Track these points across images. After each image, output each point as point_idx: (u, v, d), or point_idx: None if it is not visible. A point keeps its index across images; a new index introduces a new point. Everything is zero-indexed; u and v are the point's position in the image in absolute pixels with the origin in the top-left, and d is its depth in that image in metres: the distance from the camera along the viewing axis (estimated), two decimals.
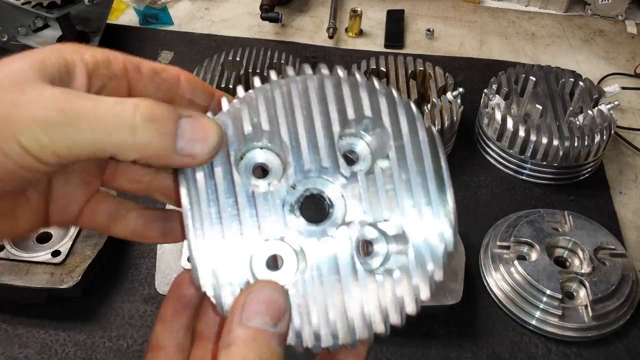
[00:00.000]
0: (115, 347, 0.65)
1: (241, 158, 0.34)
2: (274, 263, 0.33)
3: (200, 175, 0.33)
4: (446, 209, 0.34)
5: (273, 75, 0.35)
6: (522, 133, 0.81)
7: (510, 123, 0.82)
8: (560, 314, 0.66)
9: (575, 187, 0.84)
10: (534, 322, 0.67)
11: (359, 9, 1.11)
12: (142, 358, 0.64)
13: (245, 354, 0.28)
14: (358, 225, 0.34)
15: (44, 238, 0.70)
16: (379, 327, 0.32)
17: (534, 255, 0.71)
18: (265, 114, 0.34)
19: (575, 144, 0.79)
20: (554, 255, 0.72)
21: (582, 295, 0.68)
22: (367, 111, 0.35)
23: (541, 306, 0.66)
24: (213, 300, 0.32)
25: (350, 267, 0.33)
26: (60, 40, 0.96)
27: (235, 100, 0.34)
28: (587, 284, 0.67)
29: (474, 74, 1.04)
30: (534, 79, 0.86)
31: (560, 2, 1.21)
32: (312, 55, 1.07)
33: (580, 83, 0.86)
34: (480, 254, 0.74)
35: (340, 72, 0.36)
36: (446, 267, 0.33)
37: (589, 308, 0.66)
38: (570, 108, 0.84)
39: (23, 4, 0.88)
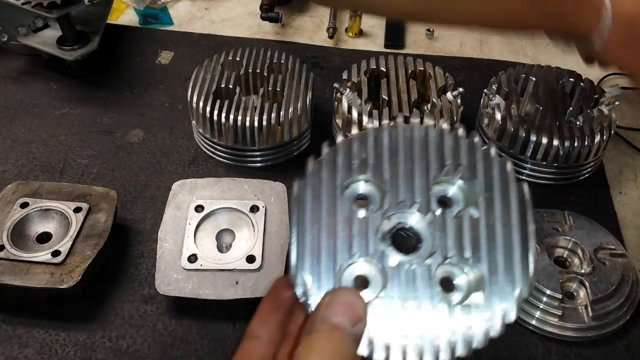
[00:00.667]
0: (115, 347, 0.65)
1: (346, 187, 0.40)
2: (359, 282, 0.38)
3: (308, 196, 0.39)
4: (525, 268, 0.37)
5: (385, 121, 0.41)
6: (522, 133, 0.81)
7: (510, 123, 0.82)
8: (560, 314, 0.66)
9: (575, 187, 0.84)
10: (533, 322, 0.67)
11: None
12: (142, 358, 0.64)
13: (322, 341, 0.33)
14: (442, 262, 0.38)
15: (44, 238, 0.70)
16: (444, 356, 0.36)
17: None
18: (373, 152, 0.40)
19: (575, 144, 0.79)
20: (553, 255, 0.72)
21: (582, 295, 0.68)
22: (464, 160, 0.40)
23: (541, 306, 0.66)
24: (302, 299, 0.37)
25: (430, 298, 0.37)
26: (60, 40, 0.96)
27: (347, 137, 0.40)
28: (587, 284, 0.67)
29: (474, 74, 1.04)
30: (534, 79, 0.86)
31: None
32: (312, 55, 1.07)
33: (580, 83, 0.86)
34: None
35: (445, 125, 0.41)
36: (515, 318, 0.37)
37: (589, 308, 0.66)
38: (570, 108, 0.84)
39: (23, 4, 0.88)
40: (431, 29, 1.13)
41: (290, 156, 0.86)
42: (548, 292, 0.66)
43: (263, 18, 1.10)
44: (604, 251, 0.71)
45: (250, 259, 0.66)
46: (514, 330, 0.68)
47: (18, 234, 0.69)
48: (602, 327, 0.66)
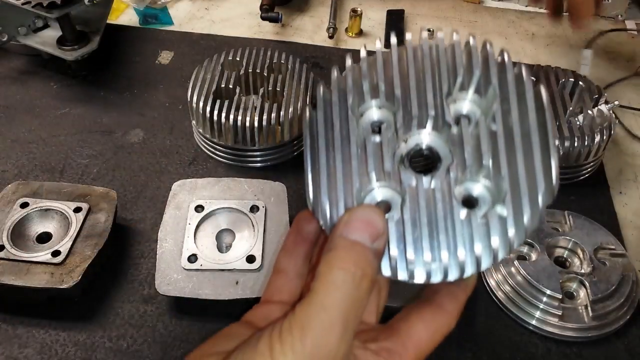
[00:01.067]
0: (115, 347, 0.65)
1: (360, 115, 0.39)
2: (381, 207, 0.36)
3: (320, 121, 0.38)
4: (548, 174, 0.36)
5: (393, 39, 0.40)
6: None
7: None
8: (560, 314, 0.66)
9: (575, 187, 0.84)
10: (534, 322, 0.67)
11: (359, 9, 1.11)
12: (142, 358, 0.64)
13: (343, 256, 0.33)
14: (461, 175, 0.36)
15: (44, 238, 0.70)
16: (470, 270, 0.35)
17: (534, 255, 0.71)
18: (383, 74, 0.39)
19: (575, 144, 0.79)
20: (554, 255, 0.72)
21: (582, 295, 0.68)
22: (477, 71, 0.38)
23: (541, 306, 0.66)
24: (321, 221, 0.37)
25: (450, 213, 0.36)
26: (60, 40, 0.96)
27: (356, 62, 0.39)
28: (587, 284, 0.67)
29: None
30: (534, 78, 0.86)
31: None
32: (312, 55, 1.07)
33: (580, 83, 0.86)
34: None
35: (456, 36, 0.39)
36: (540, 221, 0.35)
37: (589, 308, 0.66)
38: (570, 108, 0.84)
39: (23, 4, 0.88)
40: (431, 29, 1.13)
41: (290, 156, 0.86)
42: (548, 292, 0.66)
43: (263, 18, 1.10)
44: (604, 251, 0.71)
45: (250, 259, 0.66)
46: (514, 331, 0.68)
47: (18, 234, 0.69)
48: (602, 327, 0.66)
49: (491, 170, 0.36)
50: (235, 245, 0.70)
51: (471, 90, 0.38)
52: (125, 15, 1.16)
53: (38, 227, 0.70)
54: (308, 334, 0.31)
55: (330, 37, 1.10)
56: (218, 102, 0.81)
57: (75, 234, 0.68)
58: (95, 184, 0.79)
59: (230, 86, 0.85)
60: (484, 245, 0.35)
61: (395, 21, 1.16)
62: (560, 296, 0.66)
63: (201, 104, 0.82)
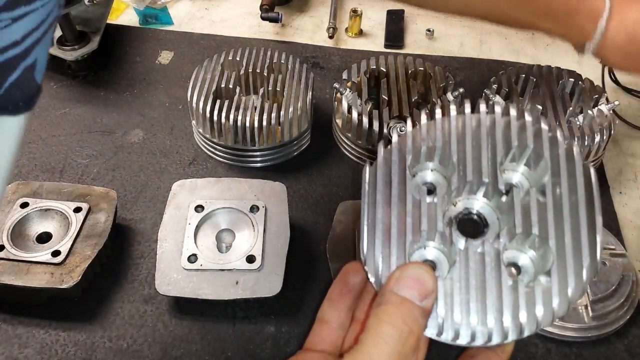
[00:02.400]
0: (115, 347, 0.65)
1: (414, 176, 0.41)
2: (428, 261, 0.39)
3: (380, 180, 0.41)
4: (594, 249, 0.37)
5: (453, 111, 0.42)
6: None
7: None
8: None
9: None
10: None
11: (359, 9, 1.11)
12: (142, 358, 0.64)
13: (392, 312, 0.34)
14: (509, 243, 0.38)
15: (44, 238, 0.70)
16: (513, 336, 0.36)
17: None
18: (441, 140, 0.41)
19: (575, 144, 0.79)
20: None
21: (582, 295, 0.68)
22: (530, 143, 0.40)
23: None
24: (371, 276, 0.38)
25: (496, 280, 0.37)
26: (60, 40, 0.96)
27: (416, 127, 0.42)
28: None
29: (474, 74, 1.04)
30: (534, 79, 0.86)
31: None
32: (312, 55, 1.07)
33: (580, 83, 0.86)
34: None
35: (513, 111, 0.42)
36: (584, 293, 0.37)
37: (589, 308, 0.66)
38: (570, 108, 0.84)
39: None
40: (431, 29, 1.13)
41: (290, 156, 0.86)
42: None
43: (263, 18, 1.10)
44: (604, 251, 0.71)
45: (250, 259, 0.66)
46: None
47: (18, 234, 0.69)
48: (602, 327, 0.66)
49: (537, 241, 0.38)
50: (235, 245, 0.70)
51: (522, 163, 0.41)
52: (125, 15, 1.16)
53: (38, 227, 0.70)
54: None
55: (330, 37, 1.10)
56: (218, 102, 0.81)
57: (75, 234, 0.68)
58: (95, 184, 0.79)
59: (230, 86, 0.85)
60: (529, 313, 0.36)
61: (396, 21, 1.16)
62: None
63: (201, 104, 0.82)
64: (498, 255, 0.38)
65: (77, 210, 0.71)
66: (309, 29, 1.14)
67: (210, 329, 0.67)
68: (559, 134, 0.41)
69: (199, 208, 0.71)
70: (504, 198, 0.40)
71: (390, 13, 1.18)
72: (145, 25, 1.14)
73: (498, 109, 0.42)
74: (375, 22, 1.17)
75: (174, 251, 0.67)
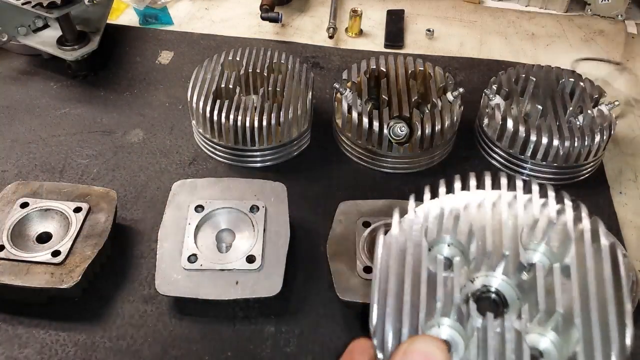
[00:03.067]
0: (115, 347, 0.65)
1: (429, 249, 0.39)
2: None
3: (394, 250, 0.38)
4: (622, 333, 0.34)
5: (473, 187, 0.42)
6: (522, 133, 0.81)
7: (510, 123, 0.82)
8: None
9: (575, 187, 0.84)
10: None
11: (359, 9, 1.11)
12: (142, 358, 0.64)
13: None
14: (529, 329, 0.35)
15: (44, 238, 0.70)
16: None
17: None
18: (464, 220, 0.40)
19: (575, 144, 0.79)
20: None
21: None
22: (553, 235, 0.38)
23: None
24: (379, 353, 0.35)
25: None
26: (60, 40, 0.96)
27: (436, 202, 0.40)
28: None
29: (474, 74, 1.04)
30: (534, 79, 0.86)
31: (560, 2, 1.21)
32: (312, 55, 1.07)
33: (580, 83, 0.86)
34: None
35: (535, 187, 0.41)
36: None
37: None
38: (570, 108, 0.84)
39: (23, 4, 0.88)
40: (431, 29, 1.13)
41: (290, 156, 0.86)
42: None
43: (263, 18, 1.10)
44: None
45: (250, 259, 0.66)
46: None
47: (18, 234, 0.69)
48: None
49: (561, 322, 0.35)
50: (235, 245, 0.70)
51: (544, 241, 0.39)
52: (125, 15, 1.16)
53: (38, 227, 0.70)
54: None
55: (330, 37, 1.10)
56: (218, 102, 0.81)
57: (75, 234, 0.68)
58: (95, 184, 0.79)
59: (230, 86, 0.85)
60: None
61: (395, 21, 1.16)
62: None
63: (201, 104, 0.81)
64: (519, 336, 0.35)
65: (77, 210, 0.71)
66: (309, 29, 1.14)
67: (210, 329, 0.67)
68: (584, 212, 0.39)
69: (199, 208, 0.71)
70: (524, 276, 0.37)
71: (390, 13, 1.18)
72: (145, 25, 1.14)
73: (519, 184, 0.41)
74: (375, 22, 1.17)
75: (174, 251, 0.67)
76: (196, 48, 1.08)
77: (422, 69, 0.88)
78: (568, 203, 0.40)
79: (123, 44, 1.07)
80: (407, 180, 0.84)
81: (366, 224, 0.72)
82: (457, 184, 0.41)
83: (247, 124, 0.80)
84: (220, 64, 0.88)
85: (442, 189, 0.41)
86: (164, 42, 1.08)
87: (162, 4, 1.18)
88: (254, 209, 0.71)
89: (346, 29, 1.14)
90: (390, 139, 0.81)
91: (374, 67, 0.89)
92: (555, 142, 0.79)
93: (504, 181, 0.41)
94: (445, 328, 0.36)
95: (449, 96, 0.84)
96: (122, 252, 0.73)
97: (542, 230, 0.39)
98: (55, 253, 0.66)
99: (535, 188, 0.41)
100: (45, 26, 0.99)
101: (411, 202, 0.40)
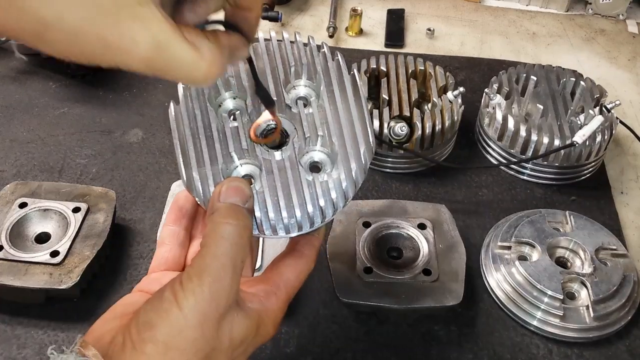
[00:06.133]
0: None
1: (219, 106, 0.49)
2: (242, 177, 0.47)
3: (184, 114, 0.47)
4: (367, 136, 0.47)
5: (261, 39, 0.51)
6: (523, 133, 0.81)
7: (511, 123, 0.82)
8: (561, 314, 0.65)
9: (577, 187, 0.84)
10: (535, 322, 0.67)
11: (359, 8, 1.11)
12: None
13: (225, 214, 0.40)
14: (304, 147, 0.47)
15: (43, 238, 0.69)
16: (318, 220, 0.45)
17: (535, 256, 0.70)
18: (233, 70, 0.49)
19: (577, 144, 0.79)
20: (555, 255, 0.71)
21: (584, 295, 0.67)
22: (304, 61, 0.50)
23: (542, 307, 0.66)
24: (197, 199, 0.45)
25: (299, 178, 0.46)
26: None
27: None
28: (588, 284, 0.67)
29: (474, 74, 1.03)
30: (535, 78, 0.86)
31: (561, 2, 1.21)
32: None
33: (582, 82, 0.86)
34: (481, 254, 0.73)
35: (285, 34, 0.51)
36: (366, 172, 0.46)
37: (590, 309, 0.65)
38: (572, 108, 0.83)
39: None
40: (431, 28, 1.13)
41: None
42: (549, 292, 0.66)
43: (263, 17, 1.09)
44: (605, 251, 0.71)
45: None
46: (515, 331, 0.67)
47: (17, 234, 0.68)
48: (603, 327, 0.66)
49: (326, 139, 0.47)
50: None
51: (304, 77, 0.49)
52: None
53: (37, 227, 0.70)
54: (205, 279, 0.38)
55: (331, 36, 1.09)
56: None
57: (74, 234, 0.68)
58: (94, 184, 0.79)
59: None
60: (327, 199, 0.45)
61: (396, 20, 1.15)
62: (561, 297, 0.65)
63: None
64: (295, 159, 0.46)
65: (76, 210, 0.70)
66: (309, 28, 1.14)
67: None
68: (325, 48, 0.50)
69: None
70: (294, 109, 0.48)
71: (390, 12, 1.17)
72: None
73: (287, 35, 0.50)
74: (375, 21, 1.16)
75: None
76: None
77: (422, 68, 0.88)
78: (323, 48, 0.50)
79: None
80: (407, 180, 0.84)
81: (366, 224, 0.72)
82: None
83: None
84: None
85: None
86: None
87: None
88: None
89: (346, 28, 1.13)
90: (391, 138, 0.81)
91: (374, 66, 0.89)
92: (557, 142, 0.79)
93: (273, 33, 0.51)
94: (244, 167, 0.47)
95: (450, 95, 0.83)
96: (121, 252, 0.73)
97: (299, 71, 0.49)
98: (54, 253, 0.66)
99: (299, 38, 0.51)
100: None
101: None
